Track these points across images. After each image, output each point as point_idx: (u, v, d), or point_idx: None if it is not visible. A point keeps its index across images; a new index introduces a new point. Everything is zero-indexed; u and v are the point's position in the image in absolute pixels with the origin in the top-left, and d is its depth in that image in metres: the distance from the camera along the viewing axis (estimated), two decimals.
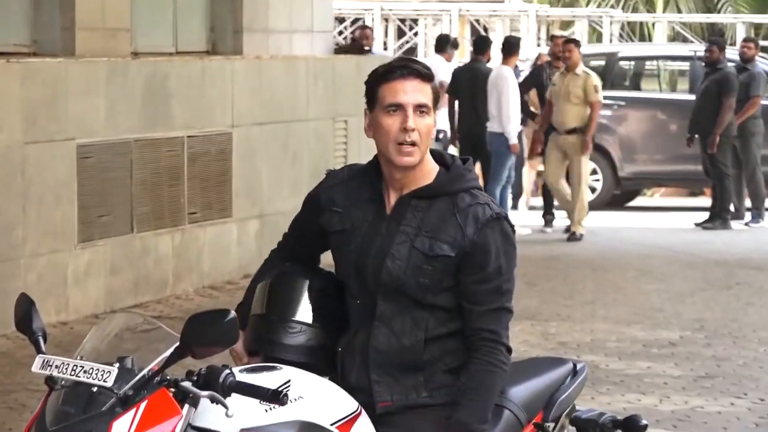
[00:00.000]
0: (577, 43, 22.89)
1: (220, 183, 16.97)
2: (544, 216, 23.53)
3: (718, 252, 20.99)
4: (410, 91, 5.55)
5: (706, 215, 24.15)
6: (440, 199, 5.63)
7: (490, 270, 5.57)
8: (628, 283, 18.32)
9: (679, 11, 38.03)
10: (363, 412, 5.59)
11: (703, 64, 24.46)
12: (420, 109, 5.54)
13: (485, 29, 34.24)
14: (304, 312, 5.78)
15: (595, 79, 21.67)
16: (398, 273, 5.57)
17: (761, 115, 23.81)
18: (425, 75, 5.59)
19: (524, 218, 23.31)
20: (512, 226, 5.75)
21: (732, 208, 24.11)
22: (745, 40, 24.86)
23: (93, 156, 14.89)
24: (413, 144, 5.53)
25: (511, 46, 23.05)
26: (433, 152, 5.72)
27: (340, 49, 23.21)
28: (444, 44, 26.97)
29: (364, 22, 32.57)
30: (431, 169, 5.67)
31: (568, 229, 22.57)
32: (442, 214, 5.60)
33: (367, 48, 23.88)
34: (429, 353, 5.61)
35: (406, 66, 5.61)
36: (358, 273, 5.67)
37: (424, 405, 5.62)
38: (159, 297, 15.54)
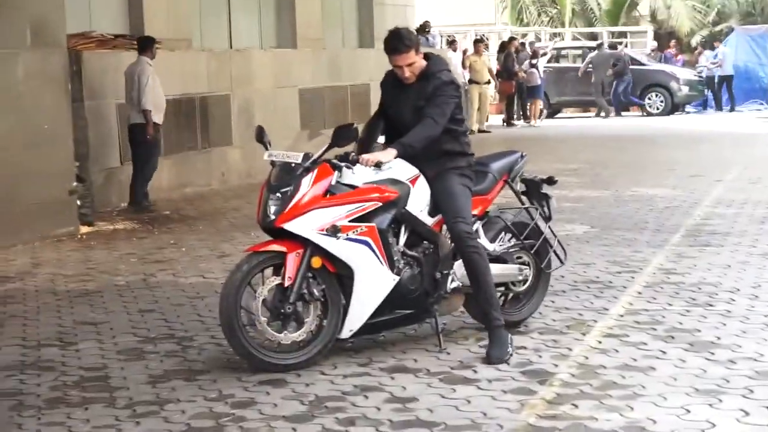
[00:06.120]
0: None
1: None
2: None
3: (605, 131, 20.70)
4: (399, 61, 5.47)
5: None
6: (425, 77, 5.53)
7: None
8: (556, 146, 18.18)
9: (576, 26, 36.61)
10: (421, 174, 5.55)
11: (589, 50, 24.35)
12: (408, 65, 5.48)
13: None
14: (379, 137, 5.71)
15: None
16: (412, 116, 5.49)
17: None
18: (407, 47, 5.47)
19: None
20: (458, 88, 5.62)
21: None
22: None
23: None
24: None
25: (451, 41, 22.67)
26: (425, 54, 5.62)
27: None
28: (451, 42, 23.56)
29: None
30: (421, 65, 5.55)
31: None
32: (426, 84, 5.51)
33: None
34: (435, 144, 5.49)
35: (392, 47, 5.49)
36: (399, 119, 5.60)
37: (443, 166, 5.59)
38: None
